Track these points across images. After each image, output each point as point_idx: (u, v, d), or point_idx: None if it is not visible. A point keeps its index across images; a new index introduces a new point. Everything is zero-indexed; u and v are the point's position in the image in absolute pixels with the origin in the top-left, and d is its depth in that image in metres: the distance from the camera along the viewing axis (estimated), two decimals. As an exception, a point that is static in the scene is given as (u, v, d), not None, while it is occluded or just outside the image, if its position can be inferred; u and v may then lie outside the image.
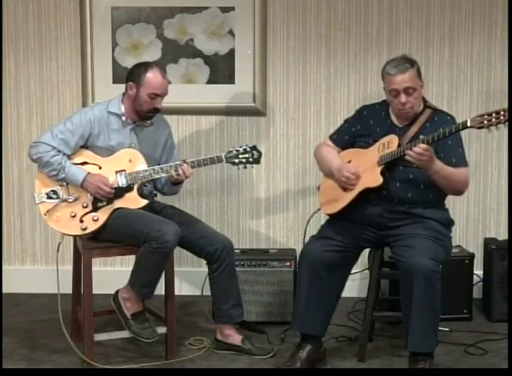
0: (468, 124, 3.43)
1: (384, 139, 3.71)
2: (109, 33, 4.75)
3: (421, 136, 3.53)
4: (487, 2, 4.64)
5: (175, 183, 3.94)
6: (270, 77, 4.76)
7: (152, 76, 3.84)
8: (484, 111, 4.56)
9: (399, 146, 3.63)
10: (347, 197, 3.75)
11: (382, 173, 3.66)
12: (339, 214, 3.79)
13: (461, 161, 3.67)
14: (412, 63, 3.68)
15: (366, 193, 3.70)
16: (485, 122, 3.39)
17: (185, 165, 3.82)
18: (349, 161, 3.82)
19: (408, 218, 3.69)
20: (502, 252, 4.37)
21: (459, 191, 3.74)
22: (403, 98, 3.65)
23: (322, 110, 4.77)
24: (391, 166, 3.66)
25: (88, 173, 3.83)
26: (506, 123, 3.36)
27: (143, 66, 3.89)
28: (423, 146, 3.46)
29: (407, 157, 3.50)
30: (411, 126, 3.72)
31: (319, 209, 4.07)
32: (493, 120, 3.37)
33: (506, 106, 4.61)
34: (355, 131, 3.87)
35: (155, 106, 3.86)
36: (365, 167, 3.72)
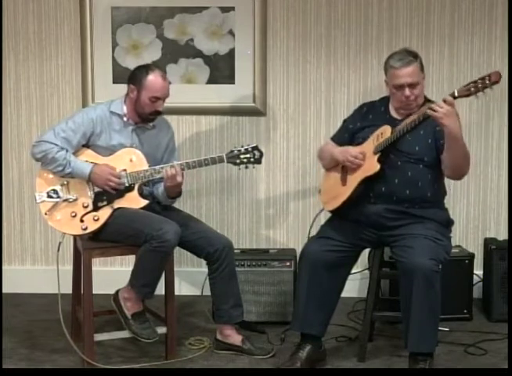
0: (456, 95, 3.44)
1: (378, 131, 3.72)
2: (109, 33, 4.75)
3: (447, 97, 3.45)
4: (487, 2, 4.64)
5: (170, 197, 3.94)
6: (270, 77, 4.76)
7: (153, 79, 3.84)
8: (484, 108, 4.60)
9: (392, 133, 3.65)
10: (348, 190, 3.75)
11: (379, 160, 3.67)
12: (341, 208, 3.79)
13: None
14: (415, 55, 3.69)
15: (366, 189, 3.70)
16: (472, 89, 3.39)
17: (175, 167, 3.80)
18: None
19: (407, 218, 3.69)
20: (502, 252, 4.37)
21: (466, 170, 3.69)
22: (407, 91, 3.66)
23: (322, 110, 4.77)
24: (388, 160, 3.66)
25: (95, 165, 3.83)
26: (492, 87, 3.35)
27: (144, 69, 3.88)
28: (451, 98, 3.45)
29: (431, 112, 3.43)
30: (409, 117, 3.71)
31: (322, 210, 4.07)
32: (479, 86, 3.37)
33: (505, 105, 4.65)
34: (354, 128, 3.87)
35: (156, 108, 3.86)
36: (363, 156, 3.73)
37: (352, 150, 3.74)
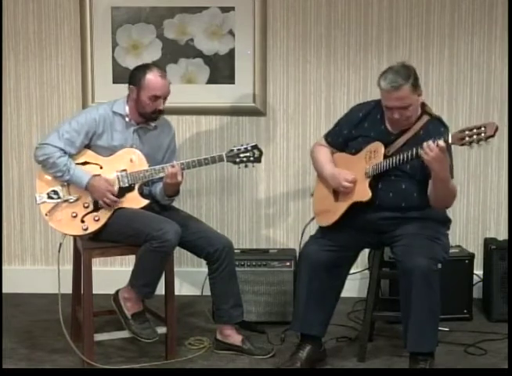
0: (449, 141, 3.38)
1: (371, 147, 3.69)
2: (109, 33, 4.75)
3: (440, 141, 3.39)
4: (487, 2, 4.64)
5: (168, 195, 3.94)
6: (270, 77, 4.76)
7: (151, 78, 3.83)
8: (484, 108, 4.56)
9: (385, 156, 3.62)
10: (339, 210, 3.74)
11: (370, 185, 3.65)
12: (333, 226, 3.78)
13: (451, 174, 3.60)
14: (407, 76, 3.55)
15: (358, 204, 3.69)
16: (466, 138, 3.33)
17: (176, 166, 3.81)
18: None
19: (404, 222, 3.67)
20: (502, 252, 4.37)
21: (449, 205, 3.70)
22: (396, 115, 3.60)
23: (322, 110, 4.77)
24: (381, 176, 3.64)
25: (93, 176, 3.83)
26: (488, 140, 3.29)
27: (142, 69, 3.88)
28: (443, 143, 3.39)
29: (424, 156, 3.41)
30: (404, 133, 3.67)
31: (313, 218, 4.05)
32: (474, 137, 3.30)
33: (505, 105, 4.64)
34: (349, 134, 3.83)
35: (157, 107, 3.86)
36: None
37: (343, 180, 3.69)
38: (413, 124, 3.67)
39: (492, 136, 3.29)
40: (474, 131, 3.32)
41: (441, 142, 3.39)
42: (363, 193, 3.65)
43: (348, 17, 4.69)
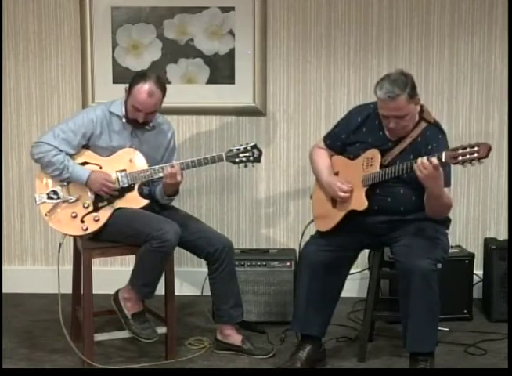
0: (443, 160, 3.35)
1: (368, 154, 3.68)
2: (109, 33, 4.75)
3: (433, 159, 3.36)
4: (487, 2, 4.63)
5: (167, 195, 3.94)
6: (270, 77, 4.76)
7: (139, 90, 3.78)
8: (484, 108, 4.53)
9: (381, 165, 3.61)
10: (337, 217, 3.74)
11: (367, 195, 3.64)
12: (331, 231, 3.78)
13: (447, 182, 3.57)
14: (404, 85, 3.50)
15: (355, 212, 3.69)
16: (459, 158, 3.31)
17: (175, 167, 3.81)
18: (337, 172, 3.81)
19: (403, 225, 3.68)
20: (502, 252, 4.37)
21: (444, 215, 3.70)
22: (392, 124, 3.57)
23: (322, 110, 4.77)
24: (378, 183, 3.63)
25: (92, 171, 3.83)
26: (481, 160, 3.27)
27: (140, 77, 3.84)
28: (436, 160, 3.37)
29: (418, 172, 3.40)
30: (401, 140, 3.65)
31: (312, 220, 4.04)
32: (467, 156, 3.28)
33: (505, 105, 4.64)
34: (346, 139, 3.81)
35: (136, 117, 3.84)
36: (351, 185, 3.69)
37: (339, 190, 3.68)
38: (411, 131, 3.65)
39: (485, 157, 3.27)
40: (468, 150, 3.29)
41: (435, 160, 3.36)
42: (360, 203, 3.65)
43: (348, 17, 4.69)
